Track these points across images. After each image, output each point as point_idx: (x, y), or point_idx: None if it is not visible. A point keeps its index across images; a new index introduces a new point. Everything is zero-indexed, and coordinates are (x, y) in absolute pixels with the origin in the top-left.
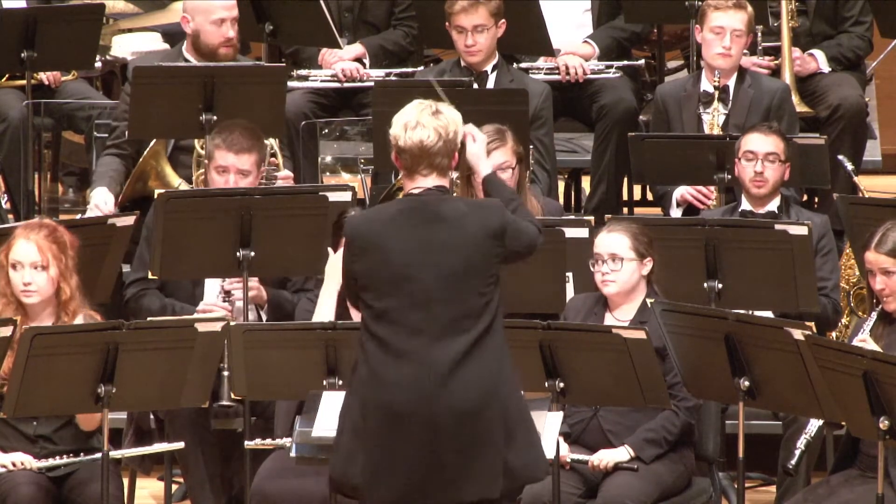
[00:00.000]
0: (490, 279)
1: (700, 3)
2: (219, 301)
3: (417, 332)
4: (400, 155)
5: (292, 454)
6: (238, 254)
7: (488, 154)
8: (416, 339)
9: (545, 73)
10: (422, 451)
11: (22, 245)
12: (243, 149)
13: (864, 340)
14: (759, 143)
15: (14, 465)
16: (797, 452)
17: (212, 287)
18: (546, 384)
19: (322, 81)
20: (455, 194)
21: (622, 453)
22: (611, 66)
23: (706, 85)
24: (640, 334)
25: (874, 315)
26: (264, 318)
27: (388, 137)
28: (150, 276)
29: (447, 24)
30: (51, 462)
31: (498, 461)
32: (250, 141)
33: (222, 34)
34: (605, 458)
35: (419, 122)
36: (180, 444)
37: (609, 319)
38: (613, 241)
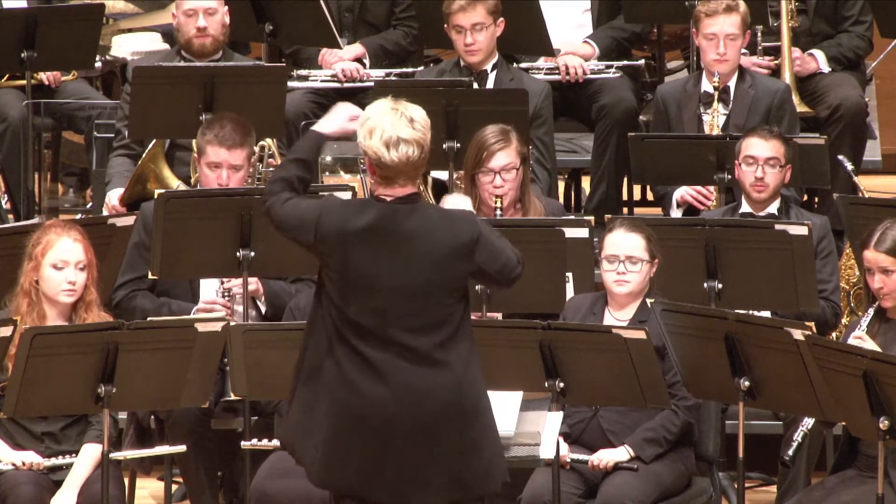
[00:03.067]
0: (455, 293)
1: (699, 2)
2: (218, 298)
3: (381, 339)
4: (379, 167)
5: None
6: (238, 254)
7: (493, 155)
8: (379, 345)
9: (545, 73)
10: (374, 452)
11: (68, 245)
12: (235, 144)
13: (861, 338)
14: (760, 148)
15: (24, 463)
16: (794, 444)
17: (208, 285)
18: (546, 384)
19: (322, 81)
20: (455, 192)
21: (622, 453)
22: (611, 66)
23: (706, 85)
24: (640, 334)
25: (870, 312)
26: (262, 308)
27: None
28: (148, 276)
29: (446, 25)
30: (57, 461)
31: (445, 473)
32: (242, 136)
33: (194, 25)
34: (605, 457)
35: (400, 139)
36: (182, 448)
37: (609, 319)
38: (631, 243)
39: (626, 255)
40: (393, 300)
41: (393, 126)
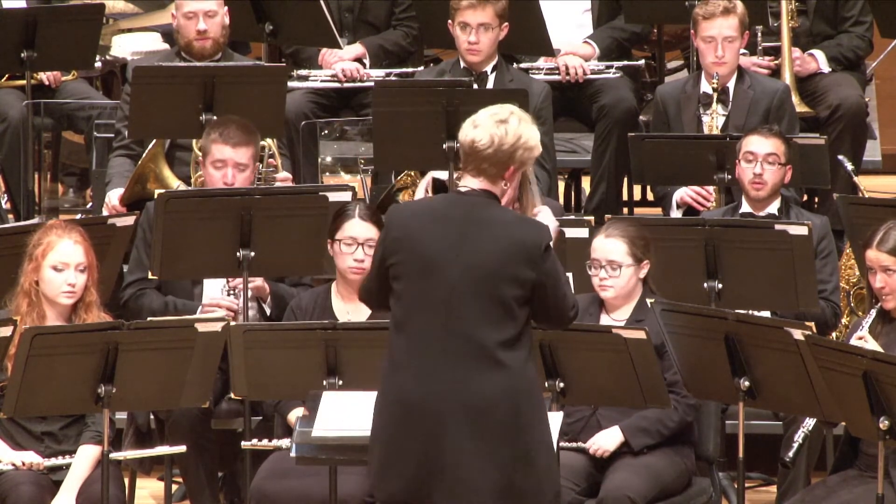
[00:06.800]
0: (518, 297)
1: (698, 3)
2: (224, 296)
3: (440, 327)
4: (460, 147)
5: (292, 454)
6: (238, 254)
7: None
8: (438, 332)
9: (545, 74)
10: (427, 447)
11: (69, 247)
12: (240, 142)
13: (863, 338)
14: (759, 144)
15: (24, 463)
16: (795, 445)
17: (211, 285)
18: (546, 384)
19: (322, 81)
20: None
21: (615, 433)
22: (611, 67)
23: (705, 86)
24: (640, 334)
25: (873, 313)
26: (268, 311)
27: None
28: (149, 277)
29: (450, 21)
30: (57, 461)
31: (498, 479)
32: (247, 135)
33: (194, 27)
34: (601, 444)
35: (480, 123)
36: (182, 448)
37: (605, 320)
38: (611, 247)
39: (606, 260)
40: (456, 284)
41: (486, 115)
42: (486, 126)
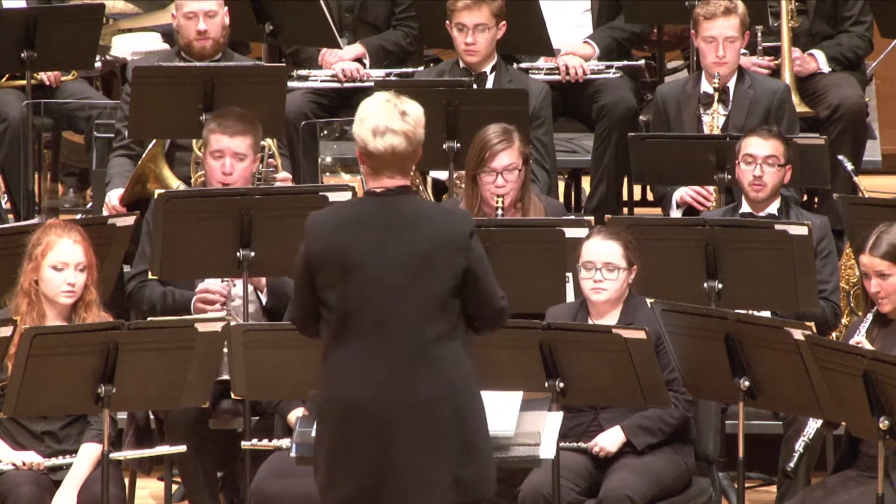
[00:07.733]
0: (449, 286)
1: (698, 3)
2: (217, 281)
3: (374, 329)
4: (367, 157)
5: (292, 454)
6: (238, 254)
7: (495, 156)
8: (373, 334)
9: (545, 74)
10: (374, 450)
11: (68, 246)
12: (238, 131)
13: (860, 343)
14: (759, 146)
15: (24, 463)
16: (795, 455)
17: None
18: (546, 384)
19: (322, 81)
20: (457, 195)
21: (616, 433)
22: (611, 67)
23: (706, 86)
24: (640, 334)
25: (869, 317)
26: (264, 300)
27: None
28: (150, 276)
29: (447, 22)
30: (57, 461)
31: (447, 474)
32: (245, 124)
33: (195, 28)
34: (604, 444)
35: (388, 128)
36: (182, 448)
37: None
38: (609, 250)
39: (603, 263)
40: (390, 285)
41: (383, 116)
42: (397, 127)
